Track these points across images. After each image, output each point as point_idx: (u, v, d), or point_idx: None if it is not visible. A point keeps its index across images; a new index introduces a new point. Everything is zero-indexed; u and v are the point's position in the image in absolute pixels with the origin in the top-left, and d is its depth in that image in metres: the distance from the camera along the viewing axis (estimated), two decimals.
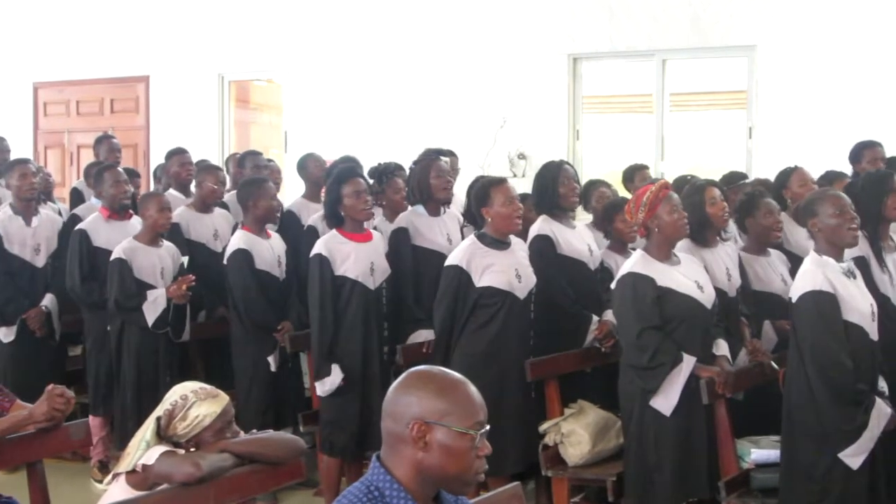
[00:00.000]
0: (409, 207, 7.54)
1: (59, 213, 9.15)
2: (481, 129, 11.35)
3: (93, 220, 8.11)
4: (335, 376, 6.79)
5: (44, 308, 8.25)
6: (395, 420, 2.97)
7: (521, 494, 3.99)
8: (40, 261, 8.34)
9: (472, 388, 2.99)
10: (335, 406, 6.93)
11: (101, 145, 9.92)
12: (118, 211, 8.12)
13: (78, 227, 8.08)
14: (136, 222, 8.08)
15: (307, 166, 9.06)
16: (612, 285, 6.16)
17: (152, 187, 11.24)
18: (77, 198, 9.67)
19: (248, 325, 7.46)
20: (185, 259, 8.01)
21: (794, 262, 6.94)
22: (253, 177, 8.26)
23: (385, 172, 7.93)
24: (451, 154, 9.21)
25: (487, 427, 2.97)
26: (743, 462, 5.98)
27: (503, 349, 6.40)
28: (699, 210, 6.42)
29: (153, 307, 7.53)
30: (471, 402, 2.96)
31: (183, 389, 4.44)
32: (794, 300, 5.59)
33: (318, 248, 6.91)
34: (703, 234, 6.50)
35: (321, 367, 6.85)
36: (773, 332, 6.63)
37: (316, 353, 6.94)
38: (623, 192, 8.52)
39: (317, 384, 6.92)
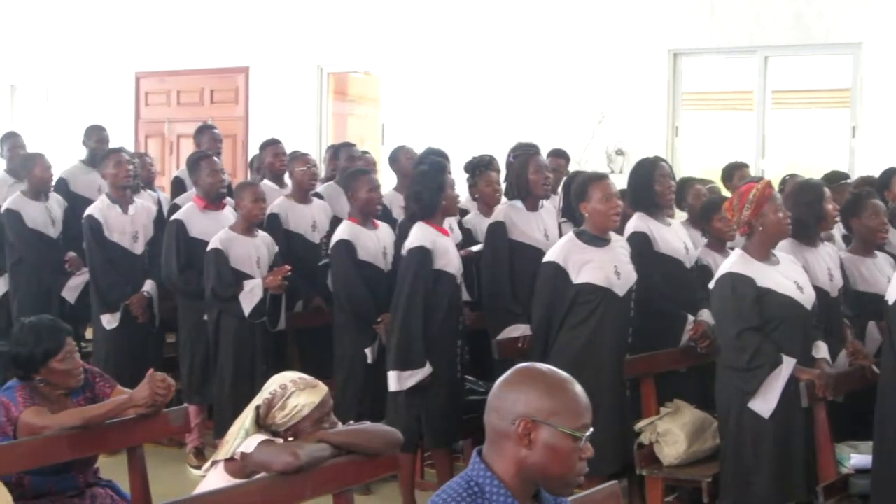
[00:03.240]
0: (504, 200, 7.53)
1: (159, 202, 9.27)
2: (579, 125, 11.30)
3: (188, 210, 8.18)
4: (425, 369, 6.78)
5: (146, 294, 8.36)
6: (500, 416, 2.95)
7: (618, 493, 3.97)
8: (138, 248, 8.45)
9: (579, 389, 2.97)
10: (414, 399, 6.90)
11: (202, 135, 9.99)
12: (214, 200, 8.19)
13: (174, 217, 8.17)
14: (229, 212, 8.18)
15: (398, 159, 9.09)
16: (711, 285, 6.08)
17: (249, 177, 11.35)
18: (179, 187, 9.76)
19: (350, 315, 7.47)
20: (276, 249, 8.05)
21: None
22: (357, 168, 8.30)
23: (479, 166, 7.92)
24: (562, 155, 9.21)
25: (591, 430, 2.96)
26: (842, 467, 5.90)
27: (601, 347, 6.34)
28: (815, 208, 6.34)
29: (250, 297, 7.60)
30: (578, 404, 2.94)
31: (282, 379, 4.47)
32: (890, 303, 5.49)
33: (421, 240, 6.86)
34: (812, 233, 6.41)
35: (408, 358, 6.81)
36: (878, 332, 6.53)
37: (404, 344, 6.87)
38: (723, 191, 8.44)
39: (395, 374, 6.82)
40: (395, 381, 6.81)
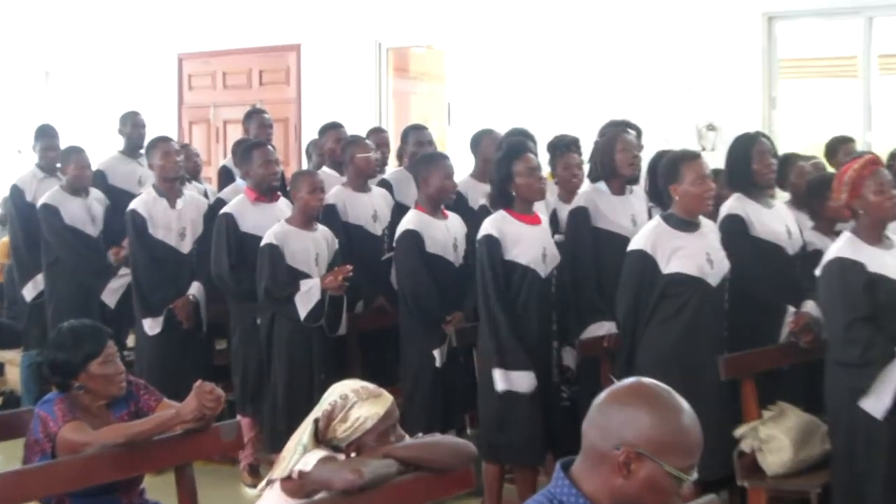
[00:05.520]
0: (589, 185, 7.48)
1: (206, 195, 9.30)
2: (665, 98, 11.20)
3: (238, 202, 8.17)
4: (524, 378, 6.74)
5: (191, 297, 8.39)
6: (602, 435, 2.88)
7: None
8: (186, 246, 8.49)
9: (694, 421, 2.90)
10: (499, 406, 6.87)
11: (251, 120, 10.01)
12: (266, 192, 8.19)
13: (223, 210, 8.16)
14: (283, 205, 8.18)
15: (482, 143, 9.02)
16: (817, 272, 6.01)
17: (304, 165, 11.36)
18: (226, 177, 9.77)
19: (416, 313, 7.46)
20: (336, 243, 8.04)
21: None
22: (433, 152, 8.31)
23: (559, 146, 7.88)
24: (633, 128, 9.13)
25: (696, 472, 2.89)
26: None
27: (694, 343, 6.29)
28: None
29: (306, 298, 7.56)
30: (692, 441, 2.88)
31: (343, 388, 4.45)
32: None
33: (487, 228, 6.87)
34: None
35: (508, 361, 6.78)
36: None
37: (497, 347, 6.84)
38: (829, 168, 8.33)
39: (500, 373, 6.80)
40: (501, 380, 6.77)
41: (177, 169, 8.48)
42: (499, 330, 6.74)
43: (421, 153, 8.52)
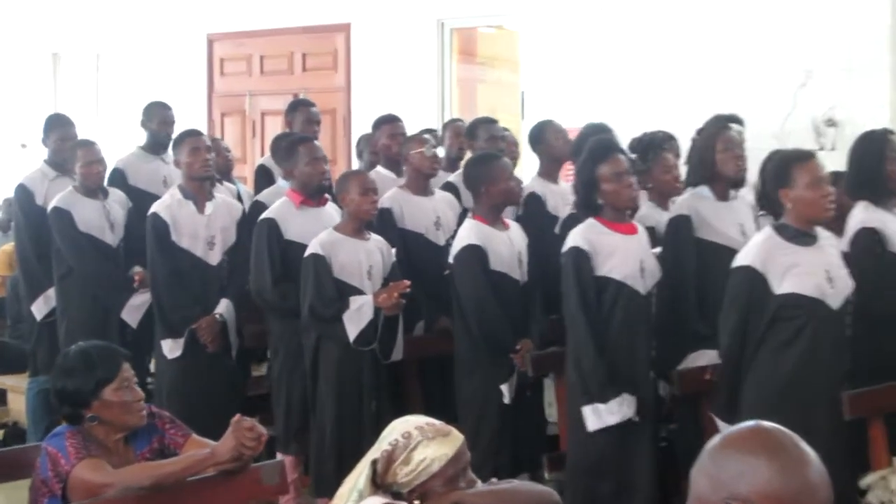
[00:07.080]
0: (688, 190, 7.43)
1: (239, 197, 9.30)
2: (777, 89, 11.13)
3: (281, 206, 8.16)
4: (619, 408, 6.70)
5: (218, 317, 8.34)
6: (713, 485, 2.81)
7: None
8: (214, 257, 8.44)
9: (825, 478, 2.81)
10: (590, 447, 6.85)
11: (296, 113, 10.02)
12: (313, 195, 8.18)
13: (264, 216, 8.13)
14: (332, 209, 8.18)
15: (545, 138, 8.99)
16: None
17: (354, 164, 11.37)
18: (264, 177, 9.78)
19: (482, 342, 7.44)
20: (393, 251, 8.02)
21: None
22: (484, 152, 8.26)
23: (651, 146, 7.83)
24: (735, 121, 9.08)
25: None
26: None
27: (811, 376, 6.21)
28: None
29: (356, 318, 7.53)
30: (818, 501, 2.78)
31: (406, 426, 4.42)
32: None
33: (575, 239, 6.84)
34: None
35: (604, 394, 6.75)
36: None
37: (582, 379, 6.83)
38: None
39: (590, 409, 6.79)
40: (592, 418, 6.75)
41: (206, 168, 8.44)
42: (583, 358, 6.72)
43: (489, 151, 8.49)
